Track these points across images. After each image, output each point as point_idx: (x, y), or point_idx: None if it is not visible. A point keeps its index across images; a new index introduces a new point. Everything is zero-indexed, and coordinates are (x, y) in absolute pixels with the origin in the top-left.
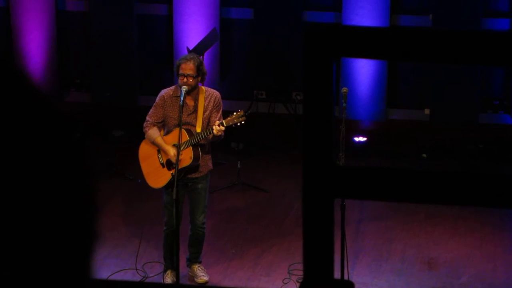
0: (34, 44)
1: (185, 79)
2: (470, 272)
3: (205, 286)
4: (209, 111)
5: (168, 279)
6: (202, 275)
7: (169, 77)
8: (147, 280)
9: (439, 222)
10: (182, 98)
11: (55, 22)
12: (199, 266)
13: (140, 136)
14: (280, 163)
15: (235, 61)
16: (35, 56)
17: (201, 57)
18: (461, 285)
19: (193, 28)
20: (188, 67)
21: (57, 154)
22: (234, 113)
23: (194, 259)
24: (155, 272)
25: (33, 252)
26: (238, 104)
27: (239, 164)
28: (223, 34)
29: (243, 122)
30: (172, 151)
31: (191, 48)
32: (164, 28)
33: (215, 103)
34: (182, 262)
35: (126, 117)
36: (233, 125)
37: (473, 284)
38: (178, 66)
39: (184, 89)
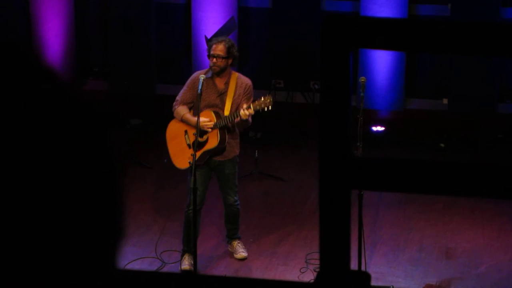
0: (53, 32)
1: (214, 60)
2: (487, 262)
3: (223, 277)
4: (238, 97)
5: (186, 261)
6: (241, 251)
7: (187, 65)
8: (165, 268)
9: (457, 212)
10: (200, 87)
11: (74, 10)
12: (238, 242)
13: (158, 124)
14: (298, 152)
15: (253, 50)
16: (54, 44)
17: None
18: (478, 275)
19: (211, 16)
20: (218, 48)
21: (83, 146)
22: (262, 98)
23: (232, 235)
24: (173, 260)
25: (58, 248)
26: (256, 93)
27: (256, 153)
28: (241, 23)
29: (270, 107)
30: (196, 119)
31: (209, 37)
32: (182, 17)
33: (246, 90)
34: (200, 248)
35: (144, 106)
36: (260, 110)
37: (490, 274)
38: (210, 47)
39: (202, 78)
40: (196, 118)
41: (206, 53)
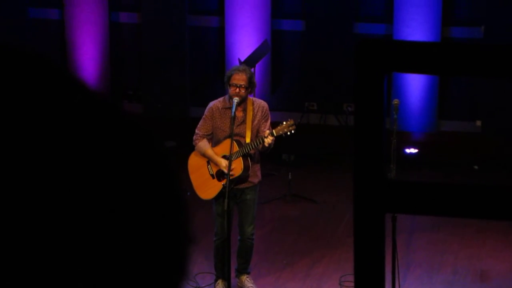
0: (88, 56)
1: (237, 90)
2: None
3: None
4: (257, 121)
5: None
6: (250, 286)
7: (221, 88)
8: None
9: (491, 234)
10: (233, 110)
11: (109, 34)
12: (247, 277)
13: (192, 147)
14: (331, 174)
15: (286, 72)
16: (89, 67)
17: (253, 69)
18: None
19: (244, 39)
20: (241, 78)
21: (146, 176)
22: (284, 122)
23: (243, 269)
24: (206, 283)
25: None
26: (289, 116)
27: (290, 175)
28: (275, 46)
29: (293, 131)
30: (223, 162)
31: (242, 59)
32: (216, 40)
33: (263, 113)
34: (234, 272)
35: (178, 128)
36: (283, 135)
37: None
38: (230, 77)
39: (236, 100)
40: (218, 157)
41: (226, 83)
